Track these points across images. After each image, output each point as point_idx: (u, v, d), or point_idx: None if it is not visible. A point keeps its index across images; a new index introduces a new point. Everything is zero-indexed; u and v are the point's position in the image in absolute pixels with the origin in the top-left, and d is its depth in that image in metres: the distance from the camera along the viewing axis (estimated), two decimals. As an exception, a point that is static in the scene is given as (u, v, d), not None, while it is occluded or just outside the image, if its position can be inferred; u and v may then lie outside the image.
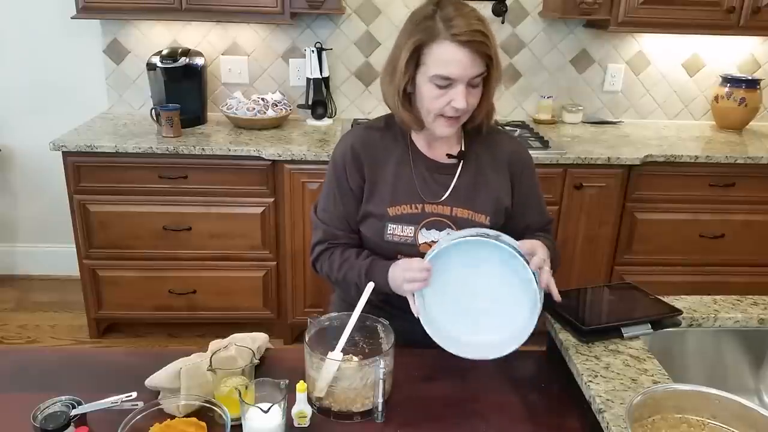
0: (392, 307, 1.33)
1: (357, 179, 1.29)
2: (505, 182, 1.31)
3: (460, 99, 1.15)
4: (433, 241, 1.27)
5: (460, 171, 1.29)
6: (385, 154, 1.30)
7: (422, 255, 1.26)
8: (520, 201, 1.34)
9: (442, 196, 1.28)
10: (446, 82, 1.15)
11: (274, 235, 2.50)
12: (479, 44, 1.12)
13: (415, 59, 1.17)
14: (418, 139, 1.31)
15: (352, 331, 1.18)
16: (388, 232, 1.27)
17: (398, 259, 1.29)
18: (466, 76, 1.14)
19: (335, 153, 1.33)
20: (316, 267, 1.37)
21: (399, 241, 1.27)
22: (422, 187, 1.28)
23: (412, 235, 1.27)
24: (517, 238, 1.23)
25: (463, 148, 1.30)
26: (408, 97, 1.23)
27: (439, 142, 1.30)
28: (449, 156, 1.29)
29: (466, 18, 1.12)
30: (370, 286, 1.17)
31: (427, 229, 1.27)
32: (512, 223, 1.34)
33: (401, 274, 1.15)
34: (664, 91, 2.98)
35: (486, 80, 1.19)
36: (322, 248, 1.34)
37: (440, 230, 1.27)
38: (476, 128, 1.31)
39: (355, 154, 1.29)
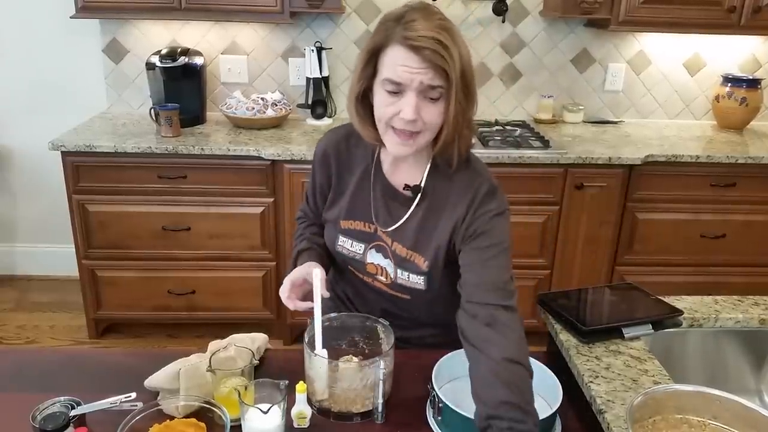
0: (392, 316, 1.32)
1: (322, 177, 1.27)
2: (453, 225, 1.14)
3: (407, 109, 1.02)
4: (379, 265, 1.22)
5: (414, 207, 1.18)
6: (353, 164, 1.24)
7: (368, 273, 1.24)
8: (467, 247, 1.12)
9: (390, 226, 1.19)
10: (396, 88, 1.03)
11: (274, 235, 2.50)
12: (432, 53, 0.99)
13: (373, 65, 1.07)
14: (385, 161, 1.21)
15: (352, 332, 1.18)
16: (339, 243, 1.25)
17: (350, 269, 1.28)
18: (414, 83, 1.02)
19: (316, 147, 1.29)
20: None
21: (347, 255, 1.24)
22: (376, 209, 1.21)
23: (361, 252, 1.23)
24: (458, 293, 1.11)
25: (422, 183, 1.17)
26: (369, 109, 1.12)
27: (403, 168, 1.19)
28: (406, 187, 1.18)
29: (427, 23, 1.01)
30: (317, 273, 1.15)
31: (376, 251, 1.21)
32: (456, 268, 1.14)
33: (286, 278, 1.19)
34: (665, 90, 2.98)
35: (448, 96, 1.04)
36: (300, 215, 1.41)
37: (384, 257, 1.21)
38: (446, 161, 1.15)
39: (326, 159, 1.26)
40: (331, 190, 1.27)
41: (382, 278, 1.23)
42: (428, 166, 1.18)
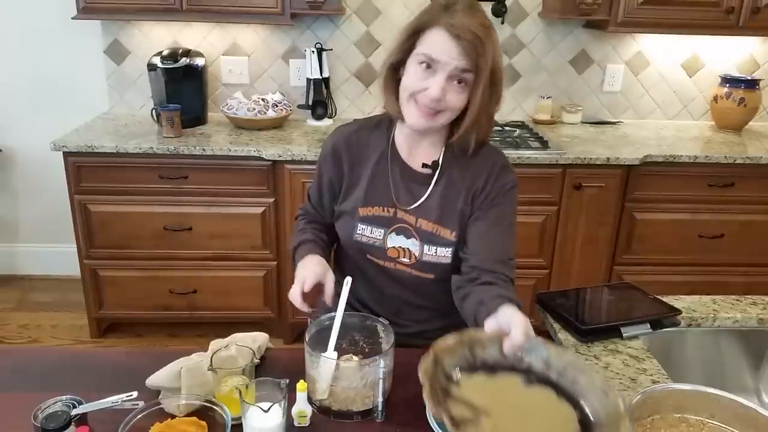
0: (408, 307, 1.33)
1: (332, 172, 1.29)
2: (472, 195, 1.23)
3: (435, 87, 1.10)
4: (400, 247, 1.25)
5: (434, 183, 1.24)
6: (367, 153, 1.28)
7: (390, 258, 1.26)
8: (482, 215, 1.22)
9: (412, 204, 1.25)
10: (431, 64, 1.11)
11: (275, 235, 2.51)
12: (469, 44, 1.08)
13: (411, 42, 1.15)
14: (401, 144, 1.27)
15: (352, 331, 1.19)
16: (357, 232, 1.26)
17: (368, 259, 1.28)
18: (448, 65, 1.10)
19: (324, 145, 1.34)
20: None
21: (367, 242, 1.26)
22: (396, 191, 1.25)
23: (381, 237, 1.25)
24: (462, 264, 1.21)
25: (440, 160, 1.25)
26: (397, 86, 1.19)
27: (418, 150, 1.26)
28: (424, 165, 1.25)
29: (470, 19, 1.09)
30: (348, 280, 1.17)
31: (396, 234, 1.25)
32: (465, 240, 1.23)
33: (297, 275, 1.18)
34: (663, 91, 2.98)
35: (474, 87, 1.12)
36: (300, 213, 1.42)
37: (408, 238, 1.25)
38: (462, 148, 1.23)
39: (336, 153, 1.29)
40: (344, 182, 1.29)
41: (405, 260, 1.26)
42: (443, 146, 1.25)
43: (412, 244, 1.24)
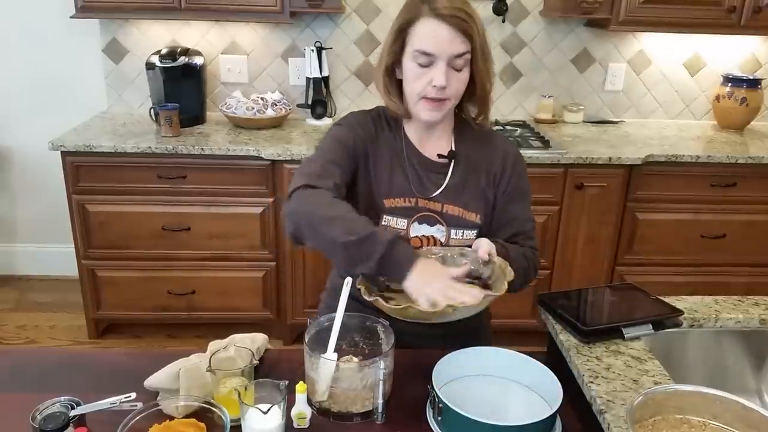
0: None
1: (360, 142, 1.26)
2: (493, 178, 1.31)
3: (439, 76, 1.14)
4: (423, 236, 1.28)
5: (452, 170, 1.29)
6: (383, 148, 1.30)
7: (413, 248, 1.27)
8: (505, 197, 1.31)
9: (434, 192, 1.28)
10: (427, 59, 1.15)
11: (274, 235, 2.50)
12: (460, 20, 1.12)
13: (401, 41, 1.19)
14: (412, 136, 1.31)
15: (351, 332, 1.18)
16: (383, 223, 1.28)
17: None
18: (445, 53, 1.14)
19: (353, 114, 1.33)
20: (293, 195, 1.14)
21: None
22: (415, 182, 1.28)
23: (404, 227, 1.28)
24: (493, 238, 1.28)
25: (453, 148, 1.30)
26: (397, 85, 1.24)
27: (430, 141, 1.30)
28: (440, 156, 1.29)
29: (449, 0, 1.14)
30: (349, 281, 1.15)
31: (419, 223, 1.28)
32: (492, 219, 1.33)
33: (435, 278, 1.06)
34: (665, 90, 2.98)
35: (472, 66, 1.18)
36: (320, 183, 1.14)
37: (431, 225, 1.28)
38: (468, 124, 1.31)
39: (371, 122, 1.30)
40: (368, 162, 1.27)
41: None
42: (453, 135, 1.31)
43: (437, 231, 1.28)
